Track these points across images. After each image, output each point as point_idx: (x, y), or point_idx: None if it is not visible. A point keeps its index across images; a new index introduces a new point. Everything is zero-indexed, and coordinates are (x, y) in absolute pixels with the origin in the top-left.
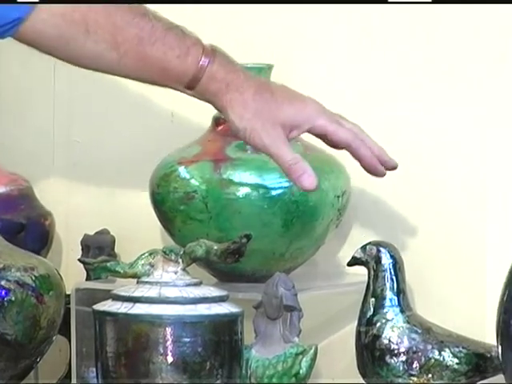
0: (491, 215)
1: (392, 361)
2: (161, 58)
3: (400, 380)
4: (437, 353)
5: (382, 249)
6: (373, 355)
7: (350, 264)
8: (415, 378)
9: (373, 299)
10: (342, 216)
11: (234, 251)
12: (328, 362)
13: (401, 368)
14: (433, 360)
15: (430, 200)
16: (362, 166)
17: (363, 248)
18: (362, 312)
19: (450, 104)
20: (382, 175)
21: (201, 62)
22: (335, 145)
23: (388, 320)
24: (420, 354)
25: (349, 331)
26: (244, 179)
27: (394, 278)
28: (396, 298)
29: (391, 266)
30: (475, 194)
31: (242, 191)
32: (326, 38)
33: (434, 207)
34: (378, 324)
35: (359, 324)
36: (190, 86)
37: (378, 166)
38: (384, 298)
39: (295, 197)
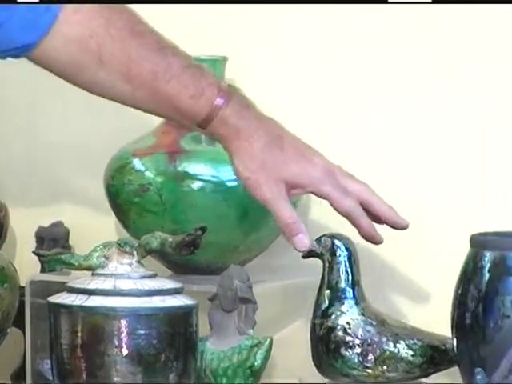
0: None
1: (347, 353)
2: (174, 95)
3: (355, 372)
4: (392, 345)
5: (336, 241)
6: (328, 347)
7: (304, 256)
8: (370, 370)
9: (328, 291)
10: (297, 208)
11: (188, 243)
12: (283, 354)
13: (356, 360)
14: (388, 352)
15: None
16: (359, 233)
17: (318, 240)
18: (317, 304)
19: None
20: (379, 243)
21: (214, 105)
22: (337, 210)
23: (343, 312)
24: (375, 346)
25: (304, 323)
26: (199, 171)
27: (348, 270)
28: (351, 290)
29: (346, 259)
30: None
31: (197, 183)
32: (297, 38)
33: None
34: (333, 316)
35: (314, 316)
36: (201, 125)
37: (376, 236)
38: (339, 290)
39: None
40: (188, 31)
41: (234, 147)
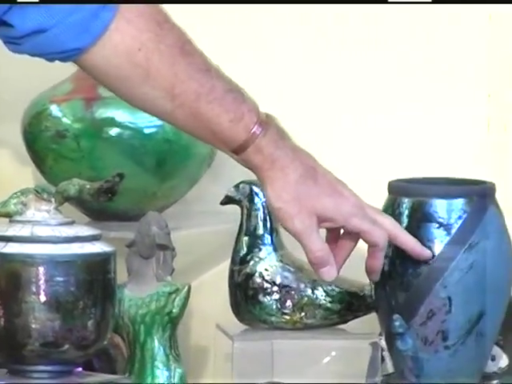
0: None
1: (265, 299)
2: (214, 118)
3: (273, 318)
4: (310, 291)
5: (254, 187)
6: (246, 294)
7: (223, 203)
8: (288, 317)
9: (246, 238)
10: (215, 155)
11: (106, 190)
12: (201, 300)
13: (274, 306)
14: (306, 298)
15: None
16: (368, 263)
17: (236, 187)
18: (235, 251)
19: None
20: (376, 280)
21: (252, 132)
22: (366, 242)
23: (261, 259)
24: (293, 292)
25: (222, 270)
26: (116, 118)
27: (267, 216)
28: (269, 236)
29: (264, 205)
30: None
31: (115, 130)
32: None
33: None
34: (251, 263)
35: (232, 263)
36: (236, 152)
37: (379, 273)
38: (257, 237)
39: (168, 135)
40: None
41: (268, 177)
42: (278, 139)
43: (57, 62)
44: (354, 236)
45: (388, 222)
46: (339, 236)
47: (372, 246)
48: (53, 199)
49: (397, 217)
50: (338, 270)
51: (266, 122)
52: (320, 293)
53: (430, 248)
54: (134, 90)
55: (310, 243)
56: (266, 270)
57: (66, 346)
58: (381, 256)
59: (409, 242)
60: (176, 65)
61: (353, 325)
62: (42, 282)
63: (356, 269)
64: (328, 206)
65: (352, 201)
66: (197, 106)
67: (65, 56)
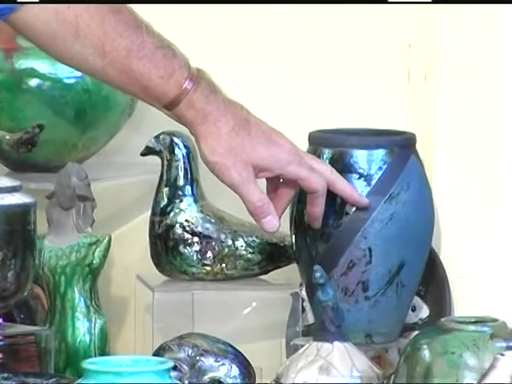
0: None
1: (186, 250)
2: (144, 74)
3: (194, 269)
4: (230, 242)
5: (175, 138)
6: (166, 245)
7: (143, 154)
8: (209, 268)
9: (166, 189)
10: (135, 105)
11: (26, 141)
12: (121, 251)
13: (194, 258)
14: (226, 249)
15: None
16: (308, 210)
17: (156, 138)
18: (156, 202)
19: None
20: (318, 227)
21: (183, 87)
22: (305, 189)
23: (182, 210)
24: (214, 243)
25: (142, 221)
26: (36, 68)
27: (187, 167)
28: (190, 187)
29: (185, 156)
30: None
31: (34, 81)
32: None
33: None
34: (172, 214)
35: (153, 214)
36: (168, 107)
37: (320, 220)
38: (178, 188)
39: (88, 86)
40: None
41: (201, 131)
42: (210, 94)
43: None
44: (293, 184)
45: (325, 168)
46: (278, 185)
47: (311, 192)
48: None
49: None
50: (279, 219)
51: (198, 77)
52: (241, 244)
53: None
54: (65, 48)
55: (249, 194)
56: (187, 220)
57: None
58: (321, 203)
59: (346, 189)
60: (106, 22)
61: (274, 275)
62: None
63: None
64: (263, 155)
65: (288, 148)
66: (127, 63)
67: None
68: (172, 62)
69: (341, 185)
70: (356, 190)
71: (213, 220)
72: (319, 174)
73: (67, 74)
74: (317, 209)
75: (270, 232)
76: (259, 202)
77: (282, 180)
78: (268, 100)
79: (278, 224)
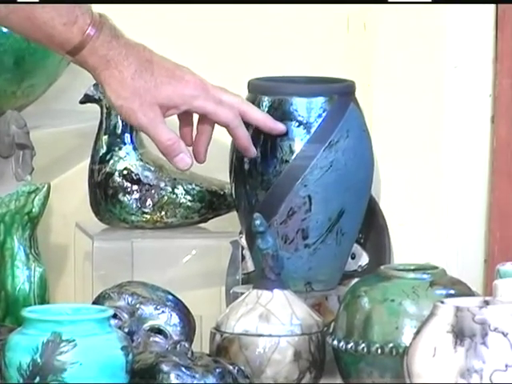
0: None
1: (125, 198)
2: (48, 22)
3: (133, 218)
4: (170, 190)
5: None
6: (106, 193)
7: (82, 101)
8: (148, 216)
9: (106, 137)
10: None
11: None
12: (61, 200)
13: (134, 206)
14: (166, 197)
15: None
16: (235, 144)
17: (95, 85)
18: (95, 150)
19: None
20: (252, 156)
21: (86, 34)
22: (216, 123)
23: (121, 158)
24: (153, 191)
25: (82, 169)
26: None
27: None
28: (129, 135)
29: None
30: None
31: None
32: None
33: None
34: (111, 162)
35: (92, 162)
36: (71, 54)
37: (250, 148)
38: (117, 136)
39: None
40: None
41: (104, 77)
42: (112, 39)
43: None
44: (209, 119)
45: (235, 99)
46: (191, 121)
47: (223, 126)
48: None
49: None
50: (203, 155)
51: (100, 23)
52: (180, 191)
53: (289, 147)
54: None
55: (157, 134)
56: (126, 168)
57: None
58: (240, 134)
59: (259, 118)
60: None
61: (213, 223)
62: None
63: (217, 167)
64: (168, 93)
65: (193, 83)
66: (30, 10)
67: None
68: (75, 10)
69: (253, 114)
70: (270, 118)
71: (152, 168)
72: (229, 106)
73: None
74: (240, 141)
75: (183, 170)
76: (169, 141)
77: (199, 117)
78: (207, 47)
79: (191, 161)
